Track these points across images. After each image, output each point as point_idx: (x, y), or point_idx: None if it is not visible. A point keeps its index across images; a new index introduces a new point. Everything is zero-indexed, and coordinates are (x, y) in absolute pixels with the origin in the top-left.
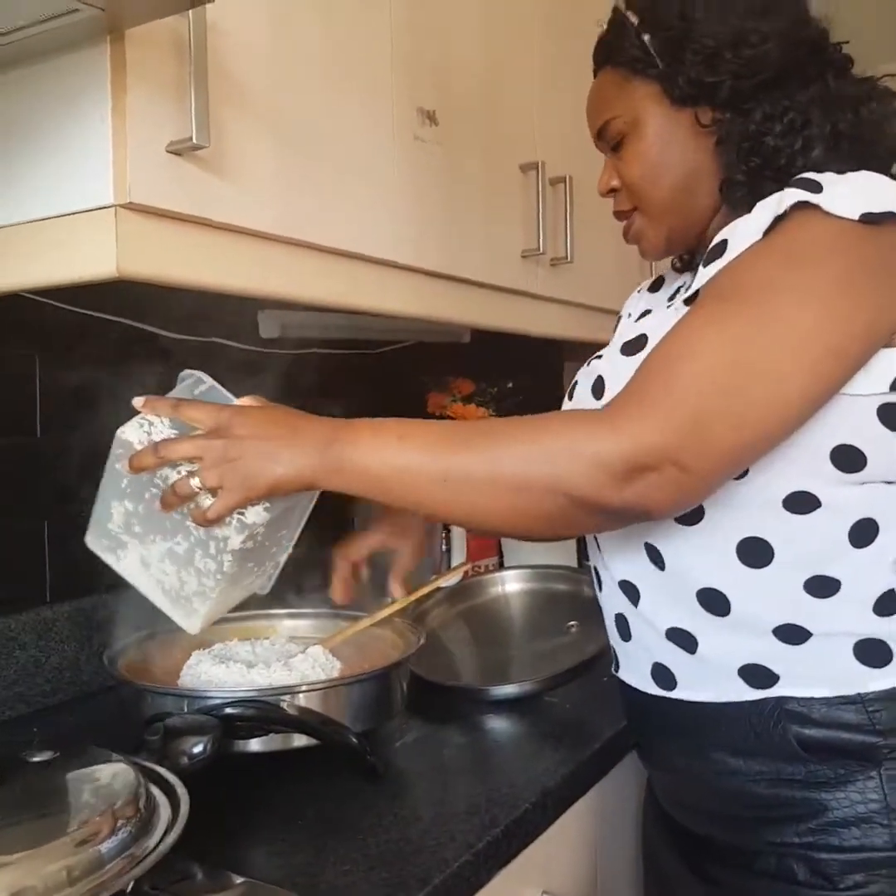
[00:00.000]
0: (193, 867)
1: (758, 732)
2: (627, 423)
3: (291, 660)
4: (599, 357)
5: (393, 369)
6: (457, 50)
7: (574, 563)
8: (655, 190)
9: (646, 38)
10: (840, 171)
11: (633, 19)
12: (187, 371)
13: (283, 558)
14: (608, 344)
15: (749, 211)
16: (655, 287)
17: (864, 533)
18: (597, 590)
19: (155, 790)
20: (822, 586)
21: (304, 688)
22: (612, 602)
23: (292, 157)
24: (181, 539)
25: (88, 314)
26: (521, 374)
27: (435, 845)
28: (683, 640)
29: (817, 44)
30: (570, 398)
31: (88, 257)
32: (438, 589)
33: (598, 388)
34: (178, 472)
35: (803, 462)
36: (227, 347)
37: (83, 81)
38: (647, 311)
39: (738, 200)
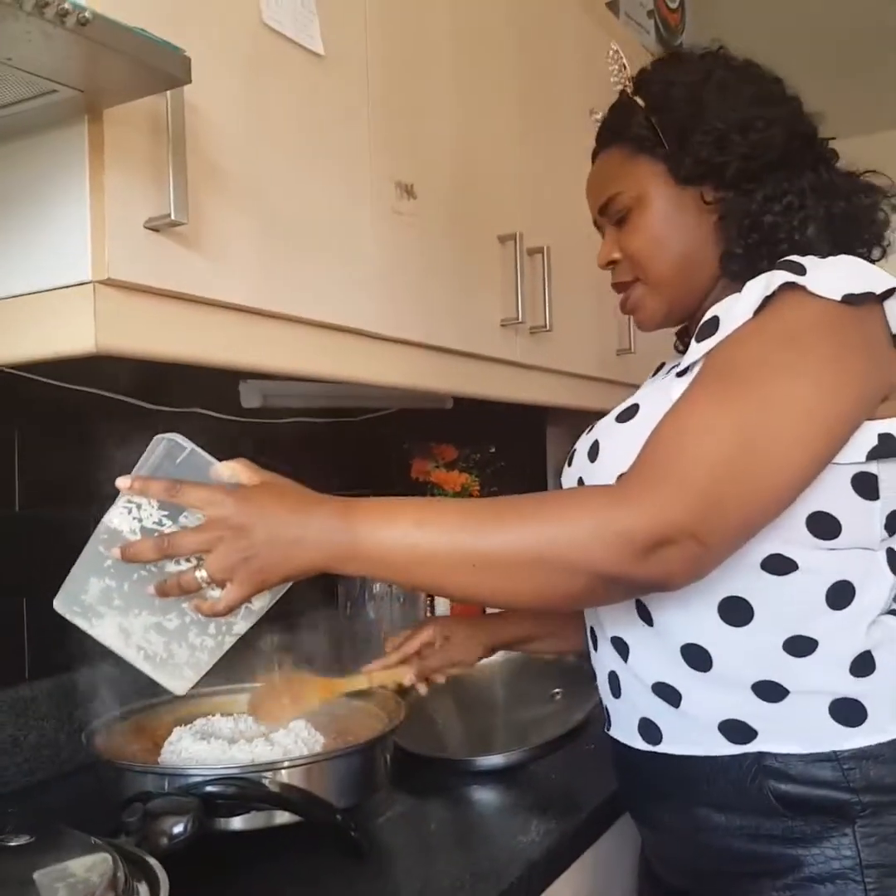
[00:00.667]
0: None
1: (737, 787)
2: (646, 499)
3: (273, 735)
4: (594, 428)
5: (376, 436)
6: (433, 124)
7: None
8: (658, 262)
9: (654, 119)
10: (823, 255)
11: (641, 103)
12: (160, 435)
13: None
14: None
15: (729, 271)
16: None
17: (840, 595)
18: (592, 650)
19: (133, 876)
20: (799, 646)
21: (286, 763)
22: (604, 660)
23: (270, 232)
24: (174, 616)
25: (68, 387)
26: (504, 439)
27: None
28: (668, 694)
29: (812, 134)
30: (570, 464)
31: (67, 333)
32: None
33: (593, 452)
34: (177, 563)
35: (781, 528)
36: (208, 417)
37: (62, 159)
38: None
39: (736, 273)
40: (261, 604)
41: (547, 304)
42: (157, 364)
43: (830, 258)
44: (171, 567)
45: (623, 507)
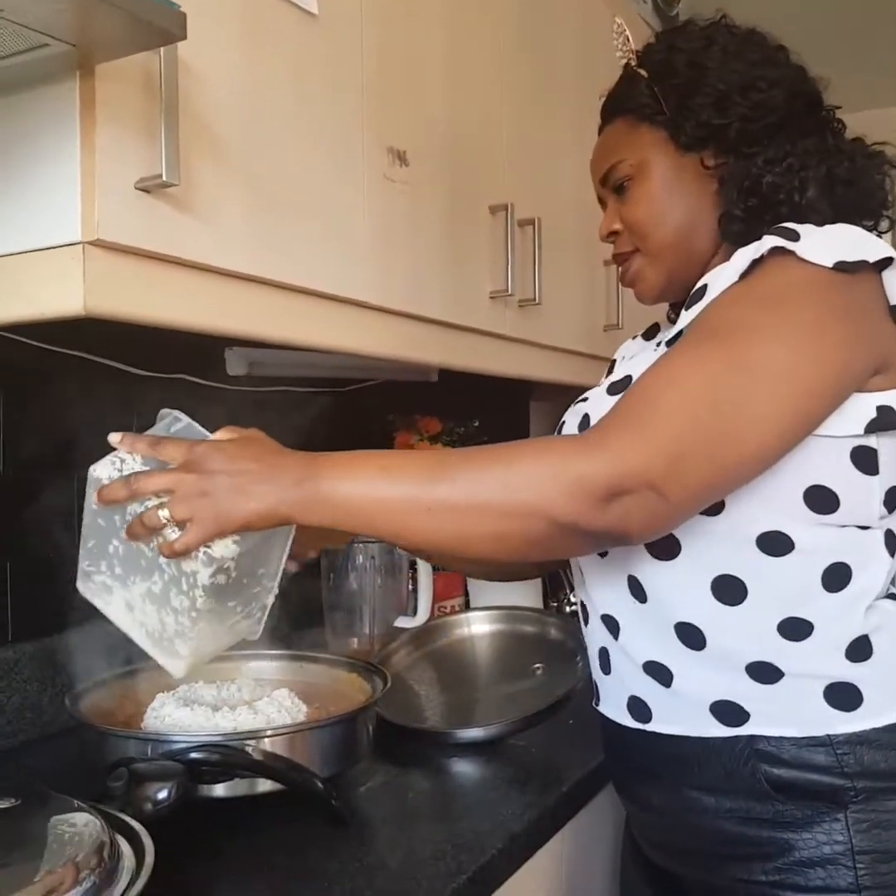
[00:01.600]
0: None
1: (728, 770)
2: (608, 447)
3: (257, 703)
4: (586, 400)
5: (361, 407)
6: (428, 91)
7: (540, 605)
8: (659, 231)
9: (656, 87)
10: (824, 220)
11: (644, 74)
12: (165, 410)
13: (269, 600)
14: (594, 387)
15: (729, 234)
16: (650, 334)
17: (836, 577)
18: (583, 624)
19: (119, 839)
20: (794, 628)
21: (269, 732)
22: (595, 636)
23: (261, 196)
24: (157, 577)
25: (54, 350)
26: (488, 413)
27: (400, 892)
28: (659, 673)
29: (816, 100)
30: (559, 435)
31: (55, 294)
32: (403, 630)
33: (583, 424)
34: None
35: (777, 501)
36: (193, 384)
37: (52, 116)
38: (636, 355)
39: (735, 235)
40: (222, 552)
41: (536, 278)
42: (144, 328)
43: (827, 226)
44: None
45: (582, 453)
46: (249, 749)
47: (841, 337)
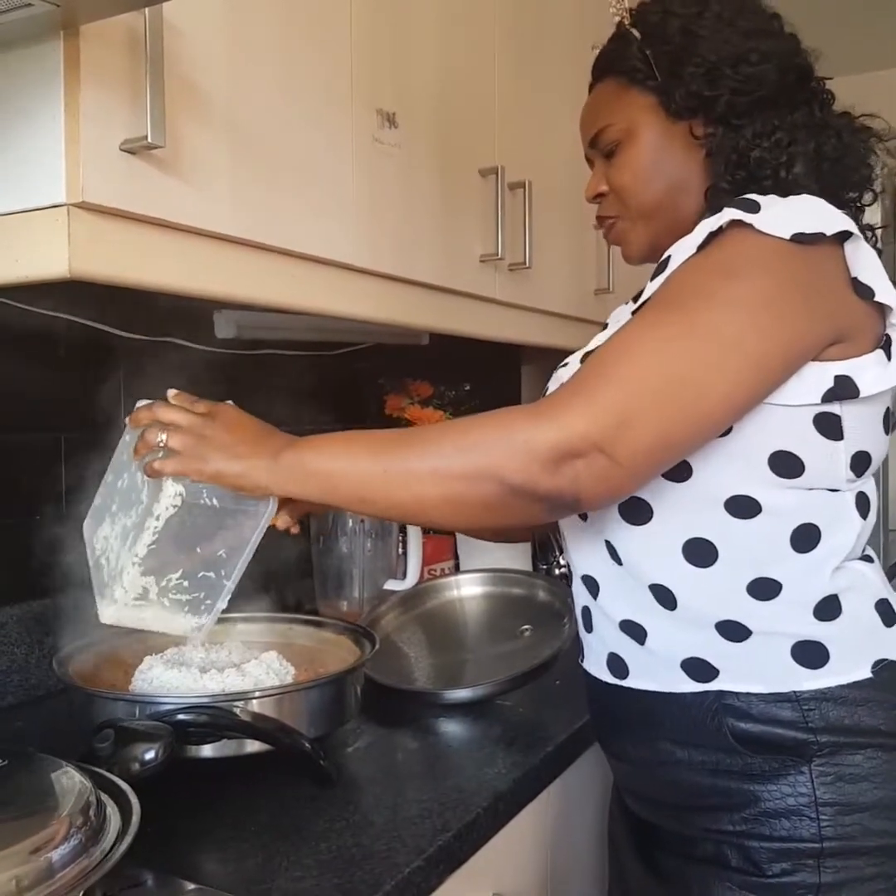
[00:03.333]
0: (144, 874)
1: (698, 724)
2: (558, 413)
3: (245, 665)
4: (566, 365)
5: (351, 371)
6: (417, 52)
7: (529, 567)
8: (645, 196)
9: (648, 51)
10: (800, 194)
11: (636, 35)
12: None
13: (220, 603)
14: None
15: (714, 204)
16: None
17: (805, 538)
18: (571, 584)
19: (105, 798)
20: (763, 588)
21: (257, 693)
22: (579, 595)
23: (249, 158)
24: (134, 513)
25: (40, 312)
26: (479, 377)
27: (386, 850)
28: (634, 631)
29: (807, 72)
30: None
31: (40, 257)
32: (392, 592)
33: None
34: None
35: (743, 466)
36: (181, 347)
37: (36, 77)
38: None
39: (721, 208)
40: (178, 489)
41: (527, 241)
42: (131, 291)
43: (791, 197)
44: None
45: (532, 418)
46: (237, 710)
47: (794, 307)
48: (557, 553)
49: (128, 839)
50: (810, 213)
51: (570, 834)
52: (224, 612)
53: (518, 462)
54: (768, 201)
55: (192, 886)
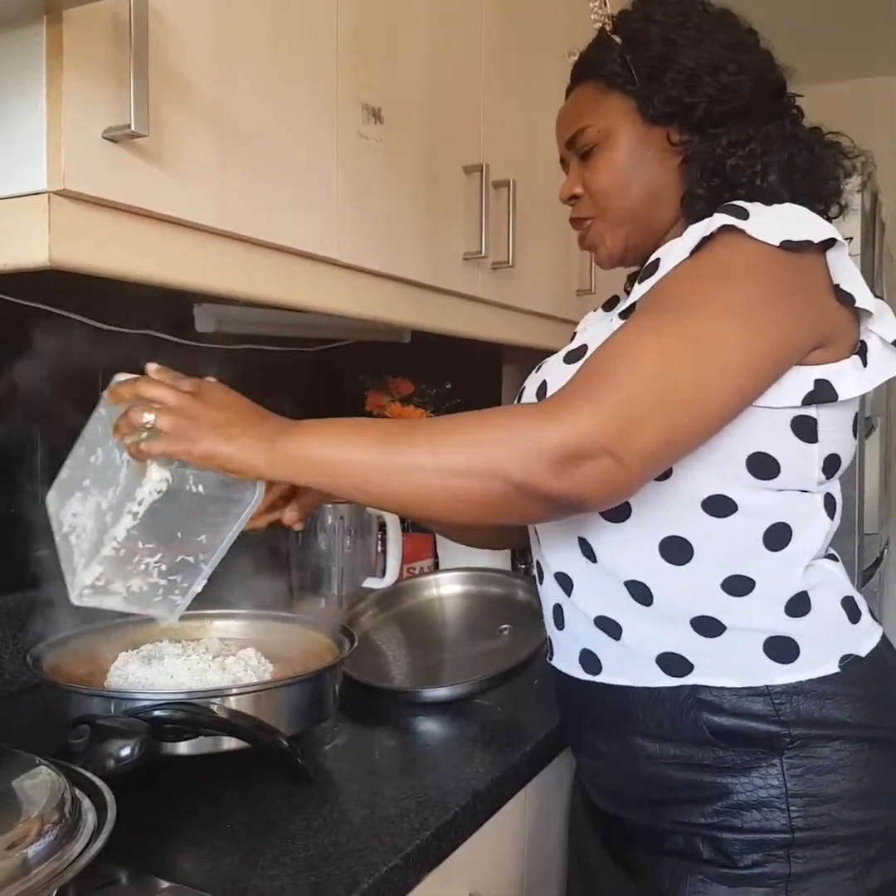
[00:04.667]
0: (119, 872)
1: (672, 718)
2: (566, 414)
3: (223, 661)
4: (538, 369)
5: (331, 368)
6: (404, 48)
7: (508, 567)
8: (620, 199)
9: (628, 56)
10: (773, 203)
11: (617, 40)
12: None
13: (196, 585)
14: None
15: (689, 211)
16: (609, 306)
17: (777, 537)
18: (538, 583)
19: (80, 795)
20: (737, 585)
21: (235, 690)
22: (549, 593)
23: (233, 150)
24: (111, 493)
25: (16, 302)
26: (460, 376)
27: (363, 849)
28: (610, 627)
29: (781, 87)
30: (519, 403)
31: (20, 244)
32: (371, 590)
33: (541, 391)
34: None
35: (721, 467)
36: (161, 340)
37: (18, 62)
38: (595, 325)
39: (696, 214)
40: (163, 475)
41: (510, 240)
42: (111, 282)
43: (776, 205)
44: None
45: (539, 418)
46: (214, 707)
47: (785, 313)
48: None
49: (103, 837)
50: (797, 220)
51: (547, 833)
52: (202, 609)
53: (525, 462)
54: (757, 208)
55: (166, 884)
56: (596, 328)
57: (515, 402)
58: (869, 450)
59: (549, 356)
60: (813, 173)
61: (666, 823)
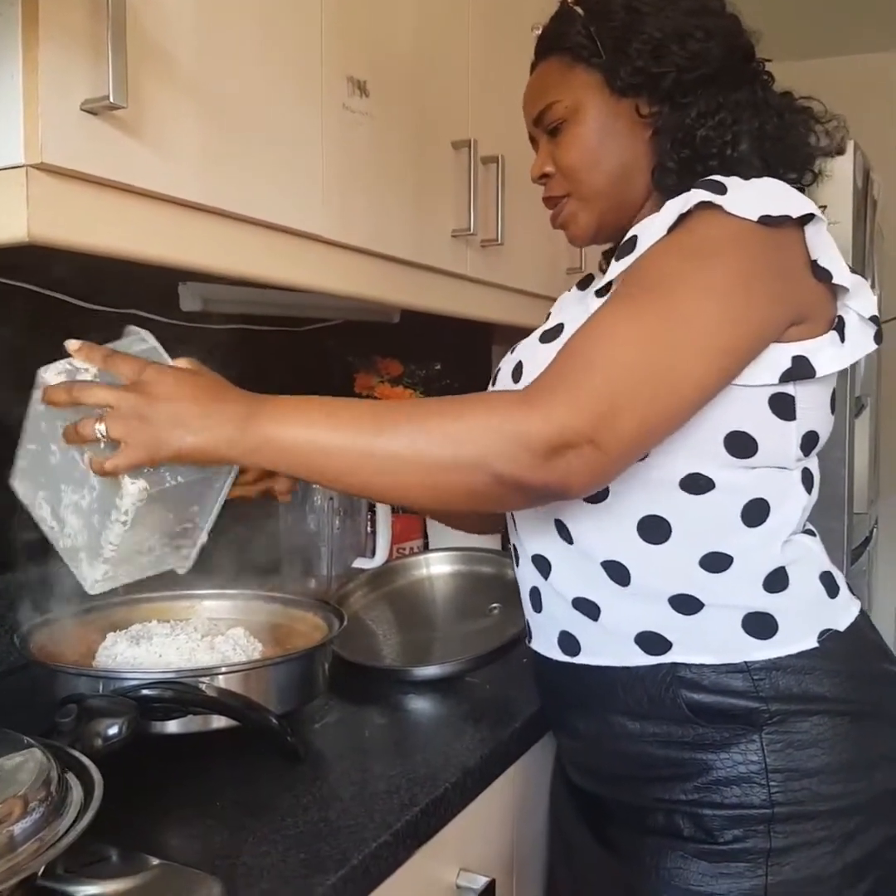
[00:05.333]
0: (108, 850)
1: (651, 696)
2: (548, 405)
3: (212, 641)
4: (519, 348)
5: (319, 348)
6: (390, 19)
7: (498, 546)
8: (592, 175)
9: (592, 28)
10: (753, 173)
11: (580, 11)
12: (132, 327)
13: (201, 538)
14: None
15: (661, 184)
16: (584, 284)
17: (755, 513)
18: (515, 567)
19: (67, 773)
20: (715, 562)
21: (223, 669)
22: (526, 577)
23: (215, 122)
24: (86, 492)
25: None
26: (449, 356)
27: (353, 825)
28: (588, 608)
29: (750, 52)
30: (494, 383)
31: None
32: (361, 571)
33: (516, 372)
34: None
35: (699, 447)
36: (145, 319)
37: None
38: (570, 304)
39: (668, 188)
40: (140, 486)
41: (499, 217)
42: (94, 260)
43: (754, 179)
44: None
45: (522, 408)
46: (203, 686)
47: (764, 290)
48: None
49: (90, 814)
50: (776, 195)
51: (536, 810)
52: (191, 589)
53: (511, 454)
54: (734, 183)
55: (156, 861)
56: (572, 308)
57: (490, 384)
58: (859, 429)
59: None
60: (784, 140)
61: (647, 801)
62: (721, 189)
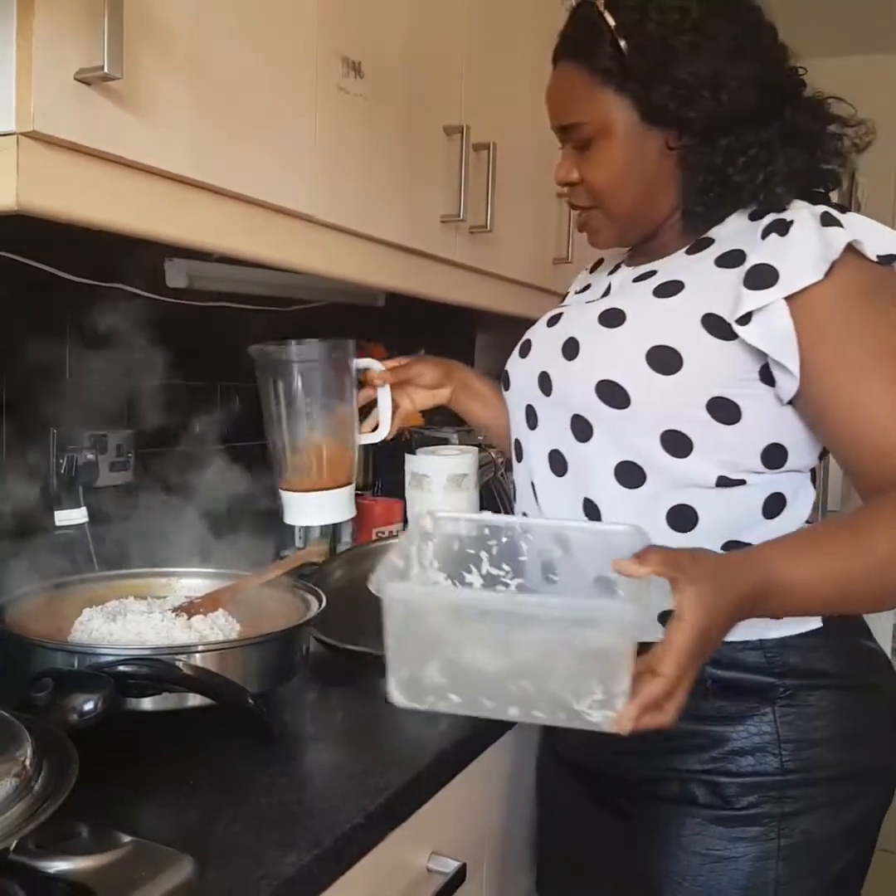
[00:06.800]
0: (80, 826)
1: None
2: None
3: (189, 619)
4: (556, 321)
5: (304, 329)
6: (386, 2)
7: None
8: (619, 197)
9: (623, 44)
10: (786, 196)
11: (611, 21)
12: (629, 527)
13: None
14: (554, 313)
15: (704, 224)
16: (594, 267)
17: (774, 506)
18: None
19: (41, 746)
20: (734, 550)
21: (200, 647)
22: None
23: (209, 98)
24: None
25: None
26: (433, 342)
27: (327, 807)
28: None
29: (783, 83)
30: (524, 355)
31: None
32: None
33: (570, 349)
34: None
35: (737, 457)
36: (130, 295)
37: None
38: (587, 286)
39: (696, 223)
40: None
41: (489, 204)
42: (81, 233)
43: (852, 215)
44: None
45: None
46: (179, 663)
47: None
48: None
49: (65, 789)
50: (874, 231)
51: (510, 795)
52: (169, 566)
53: None
54: (850, 221)
55: (128, 839)
56: (631, 298)
57: (518, 354)
58: None
59: (524, 324)
60: (815, 169)
61: (658, 771)
62: (847, 227)
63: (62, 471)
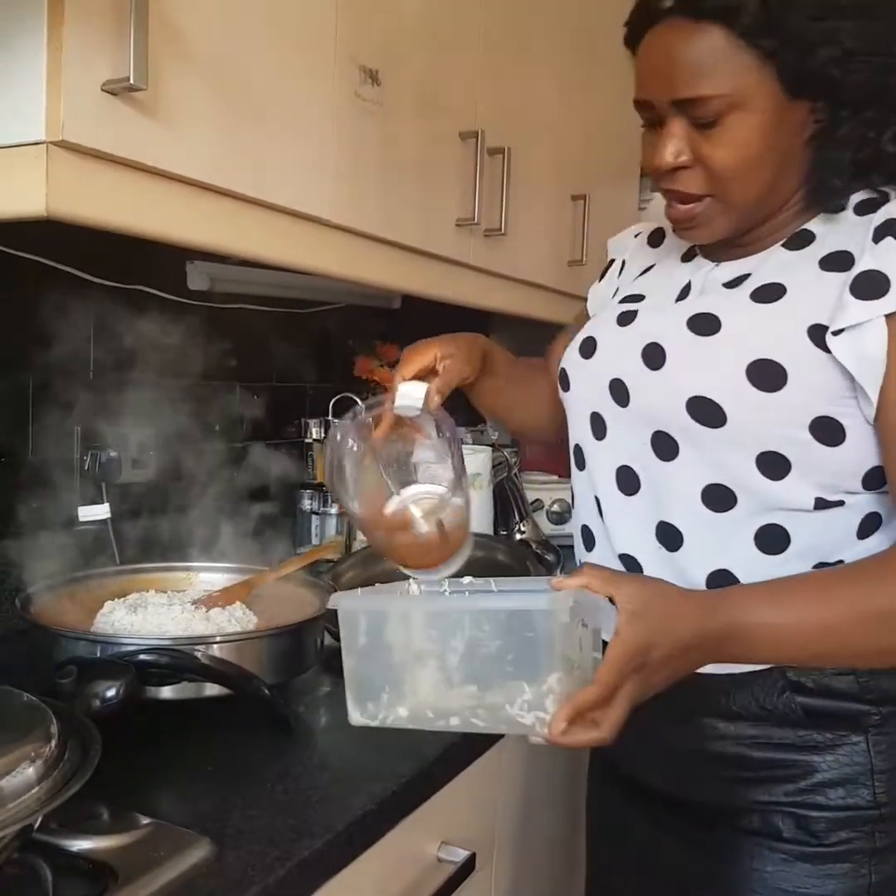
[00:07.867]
0: (101, 807)
1: (761, 702)
2: None
3: (209, 612)
4: (630, 320)
5: (322, 331)
6: (403, 11)
7: (490, 531)
8: (746, 183)
9: (775, 10)
10: None
11: None
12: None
13: None
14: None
15: (828, 206)
16: (656, 241)
17: (868, 526)
18: (584, 551)
19: (66, 730)
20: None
21: (219, 638)
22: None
23: (230, 106)
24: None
25: (11, 253)
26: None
27: (340, 794)
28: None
29: None
30: (588, 356)
31: (17, 194)
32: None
33: (654, 356)
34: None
35: (837, 480)
36: (152, 296)
37: (19, 12)
38: (651, 267)
39: (826, 201)
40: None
41: (504, 207)
42: (105, 236)
43: None
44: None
45: None
46: (198, 654)
47: None
48: (518, 519)
49: (88, 770)
50: None
51: (519, 788)
52: (188, 561)
53: None
54: None
55: (147, 820)
56: (728, 303)
57: (578, 353)
58: None
59: (540, 327)
60: None
61: (742, 802)
62: None
63: (86, 467)
